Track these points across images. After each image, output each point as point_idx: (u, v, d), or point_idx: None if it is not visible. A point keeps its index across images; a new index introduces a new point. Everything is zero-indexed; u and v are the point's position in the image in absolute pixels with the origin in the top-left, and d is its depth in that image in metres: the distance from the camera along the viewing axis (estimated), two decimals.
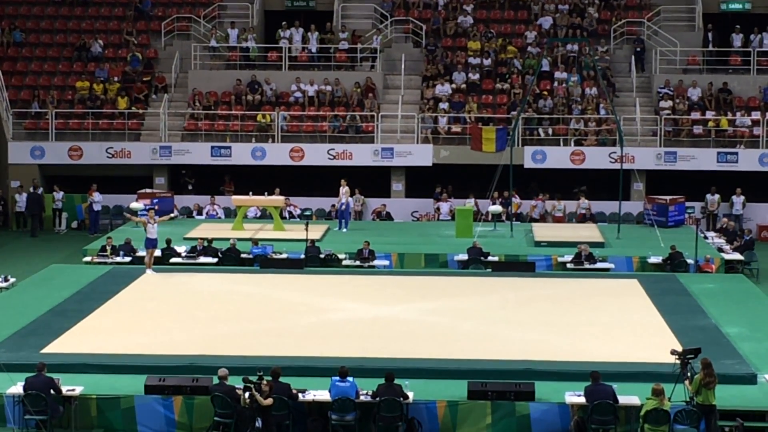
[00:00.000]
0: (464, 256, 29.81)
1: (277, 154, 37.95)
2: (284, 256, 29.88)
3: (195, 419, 18.60)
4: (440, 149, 37.85)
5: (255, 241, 30.34)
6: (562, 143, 37.87)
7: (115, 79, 40.53)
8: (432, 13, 42.73)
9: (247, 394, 17.57)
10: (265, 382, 17.59)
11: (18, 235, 37.06)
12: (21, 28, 42.38)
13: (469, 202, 36.21)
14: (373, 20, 42.42)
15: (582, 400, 18.12)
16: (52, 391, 18.16)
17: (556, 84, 39.98)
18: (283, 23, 41.86)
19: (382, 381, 18.30)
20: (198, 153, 38.11)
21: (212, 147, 38.05)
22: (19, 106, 39.53)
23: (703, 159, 37.37)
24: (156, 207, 31.75)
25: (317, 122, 38.90)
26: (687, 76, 40.02)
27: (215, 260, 29.60)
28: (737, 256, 30.76)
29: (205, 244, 30.08)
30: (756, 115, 38.28)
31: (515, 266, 29.15)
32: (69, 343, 21.34)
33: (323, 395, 18.45)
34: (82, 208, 37.89)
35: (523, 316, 23.75)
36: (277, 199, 34.96)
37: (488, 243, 30.87)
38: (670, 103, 38.78)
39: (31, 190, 37.18)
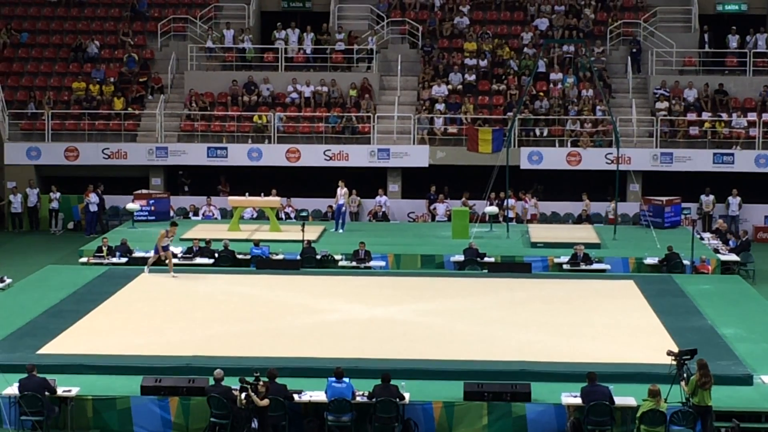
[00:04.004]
0: (460, 257, 29.82)
1: (274, 155, 37.94)
2: (281, 257, 29.87)
3: (191, 420, 18.59)
4: (436, 150, 37.86)
5: (256, 242, 30.33)
6: (557, 144, 37.92)
7: (112, 80, 40.51)
8: (428, 14, 42.75)
9: (243, 395, 17.57)
10: (261, 383, 17.59)
11: (14, 236, 37.04)
12: (17, 29, 42.39)
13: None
14: (370, 21, 42.43)
15: (578, 401, 18.12)
16: (46, 392, 18.15)
17: (552, 85, 40.01)
18: (279, 24, 41.86)
19: (378, 382, 18.30)
20: (194, 154, 38.10)
21: (208, 148, 38.03)
22: (15, 107, 39.52)
23: (699, 160, 37.39)
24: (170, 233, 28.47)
25: (313, 123, 38.90)
26: (683, 77, 40.06)
27: (211, 261, 29.58)
28: (733, 257, 30.78)
29: (202, 244, 30.07)
30: (752, 116, 38.32)
31: (511, 267, 29.13)
32: (65, 343, 21.31)
33: (319, 396, 18.44)
34: (78, 209, 37.88)
35: (520, 317, 23.74)
36: (274, 200, 34.96)
37: (484, 244, 30.86)
38: (666, 104, 38.81)
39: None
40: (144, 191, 36.51)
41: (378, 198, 37.40)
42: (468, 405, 18.52)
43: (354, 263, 29.50)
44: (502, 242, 32.34)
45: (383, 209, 37.25)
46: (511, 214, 35.65)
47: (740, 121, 38.22)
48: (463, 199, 36.56)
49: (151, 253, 27.96)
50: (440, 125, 38.61)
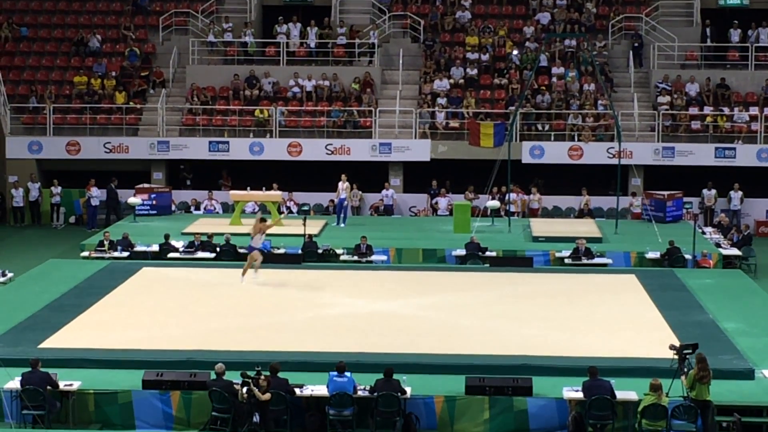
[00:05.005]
0: (462, 252, 29.82)
1: (275, 149, 37.93)
2: (282, 251, 29.88)
3: (192, 414, 18.61)
4: (438, 144, 37.84)
5: None
6: (554, 138, 37.88)
7: (113, 74, 40.50)
8: (430, 8, 42.71)
9: (244, 389, 17.58)
10: (263, 377, 17.61)
11: (15, 230, 37.06)
12: (18, 22, 42.40)
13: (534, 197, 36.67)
14: (371, 15, 42.39)
15: (580, 395, 18.13)
16: (48, 387, 18.16)
17: (554, 79, 39.98)
18: (280, 18, 41.84)
19: (380, 376, 18.31)
20: (196, 148, 38.10)
21: (210, 142, 38.04)
22: (16, 101, 39.50)
23: (700, 154, 37.37)
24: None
25: (315, 117, 38.88)
26: (685, 72, 40.03)
27: (213, 255, 29.57)
28: (735, 251, 30.79)
29: (204, 239, 30.05)
30: (754, 111, 38.29)
31: (513, 261, 29.16)
32: (67, 338, 21.33)
33: (321, 390, 18.46)
34: (80, 203, 37.89)
35: (521, 312, 23.75)
36: (275, 194, 34.94)
37: (486, 238, 30.86)
38: (668, 98, 38.77)
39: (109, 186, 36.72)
40: (145, 185, 36.50)
41: (384, 192, 37.34)
42: (469, 399, 18.53)
43: (355, 257, 29.51)
44: (504, 236, 32.34)
45: (389, 202, 37.20)
46: (513, 209, 35.66)
47: (742, 115, 38.20)
48: (466, 192, 36.52)
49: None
50: (442, 119, 38.58)
